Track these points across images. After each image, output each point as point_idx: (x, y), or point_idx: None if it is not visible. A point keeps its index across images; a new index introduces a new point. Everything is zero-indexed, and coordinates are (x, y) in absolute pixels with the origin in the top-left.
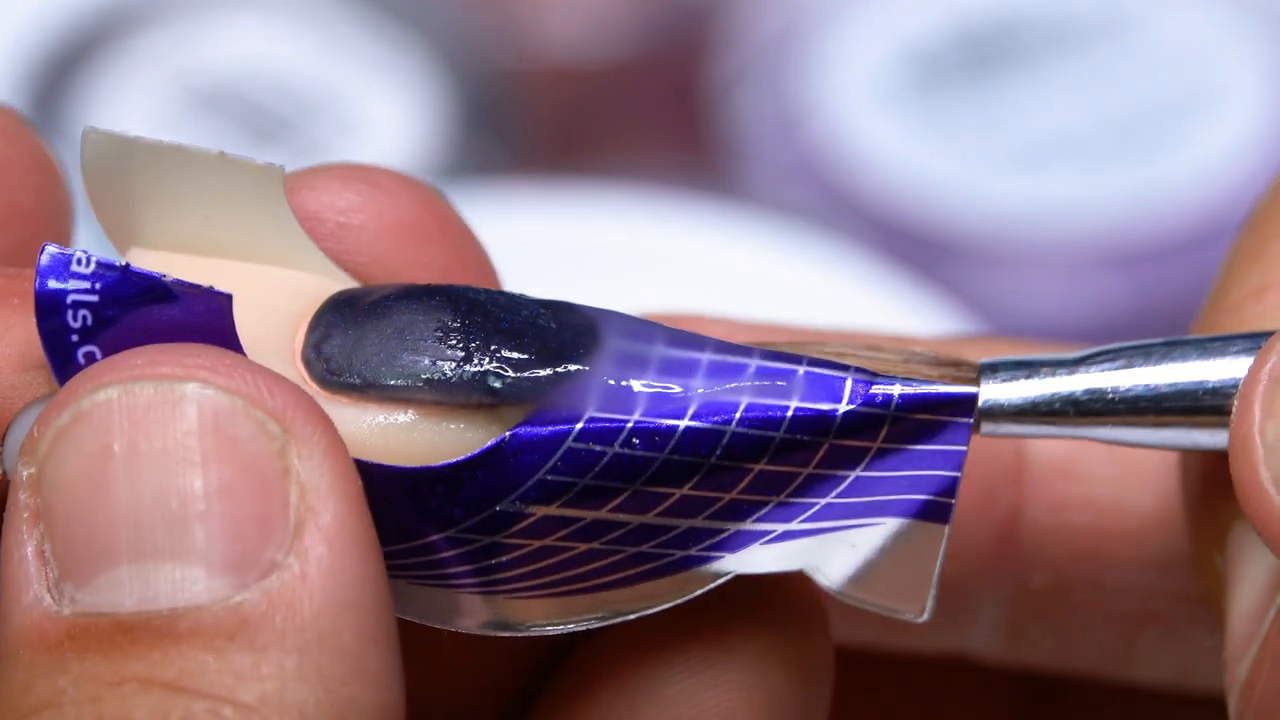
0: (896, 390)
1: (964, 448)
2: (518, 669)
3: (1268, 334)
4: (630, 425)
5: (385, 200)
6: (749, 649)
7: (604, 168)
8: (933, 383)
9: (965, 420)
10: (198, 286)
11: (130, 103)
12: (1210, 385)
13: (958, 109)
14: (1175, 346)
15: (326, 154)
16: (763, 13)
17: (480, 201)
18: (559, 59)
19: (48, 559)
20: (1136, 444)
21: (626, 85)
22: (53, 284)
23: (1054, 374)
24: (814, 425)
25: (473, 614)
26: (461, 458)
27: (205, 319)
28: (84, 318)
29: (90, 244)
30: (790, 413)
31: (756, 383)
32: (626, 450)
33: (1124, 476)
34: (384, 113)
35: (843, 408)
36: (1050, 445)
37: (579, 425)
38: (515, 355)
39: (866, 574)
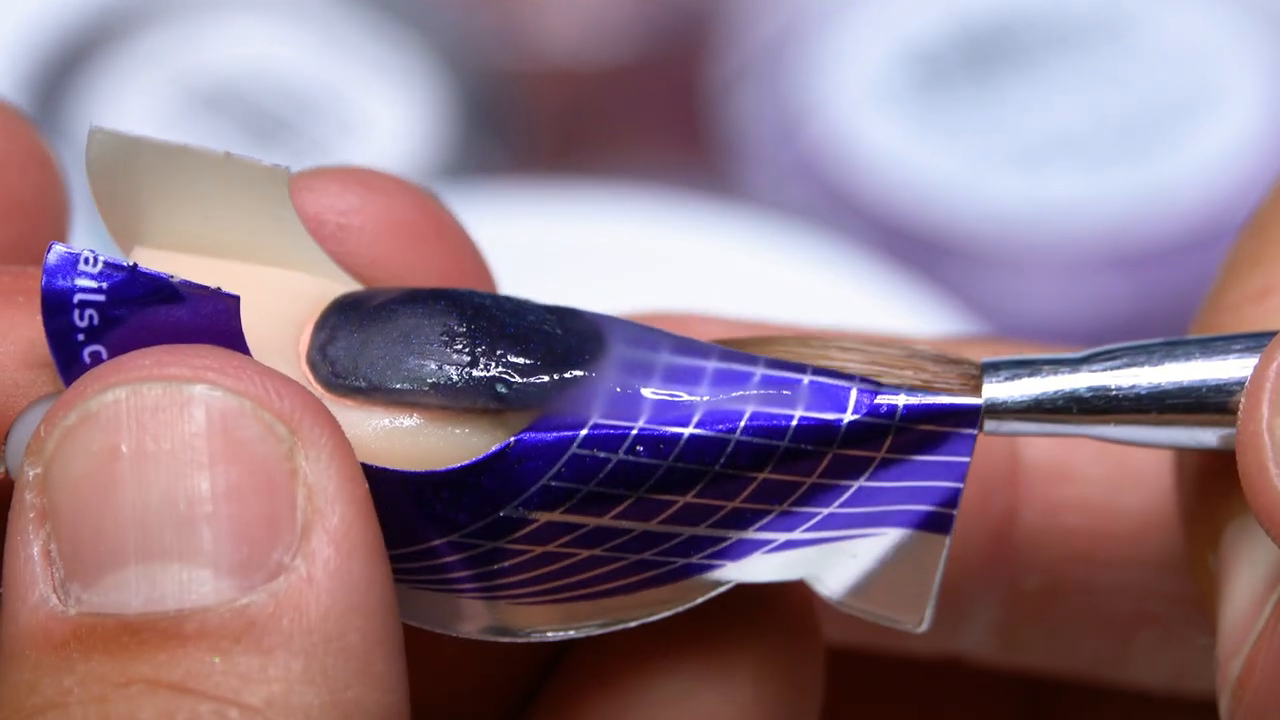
0: (901, 401)
1: (967, 459)
2: (515, 672)
3: (1270, 334)
4: (635, 432)
5: (383, 202)
6: (742, 657)
7: (604, 168)
8: (937, 394)
9: (969, 431)
10: (205, 287)
11: (131, 103)
12: (1213, 383)
13: (958, 109)
14: (1177, 346)
15: (327, 154)
16: (763, 13)
17: (481, 201)
18: (559, 59)
19: (54, 559)
20: (1139, 443)
21: (627, 85)
22: (60, 283)
23: (1056, 372)
24: (818, 434)
25: (474, 619)
26: (466, 462)
27: (212, 320)
28: (90, 317)
29: (88, 240)
30: (795, 422)
31: (761, 391)
32: (630, 457)
33: (1118, 478)
34: (384, 113)
35: (847, 417)
36: (1044, 448)
37: (583, 431)
38: (521, 361)
39: (867, 584)
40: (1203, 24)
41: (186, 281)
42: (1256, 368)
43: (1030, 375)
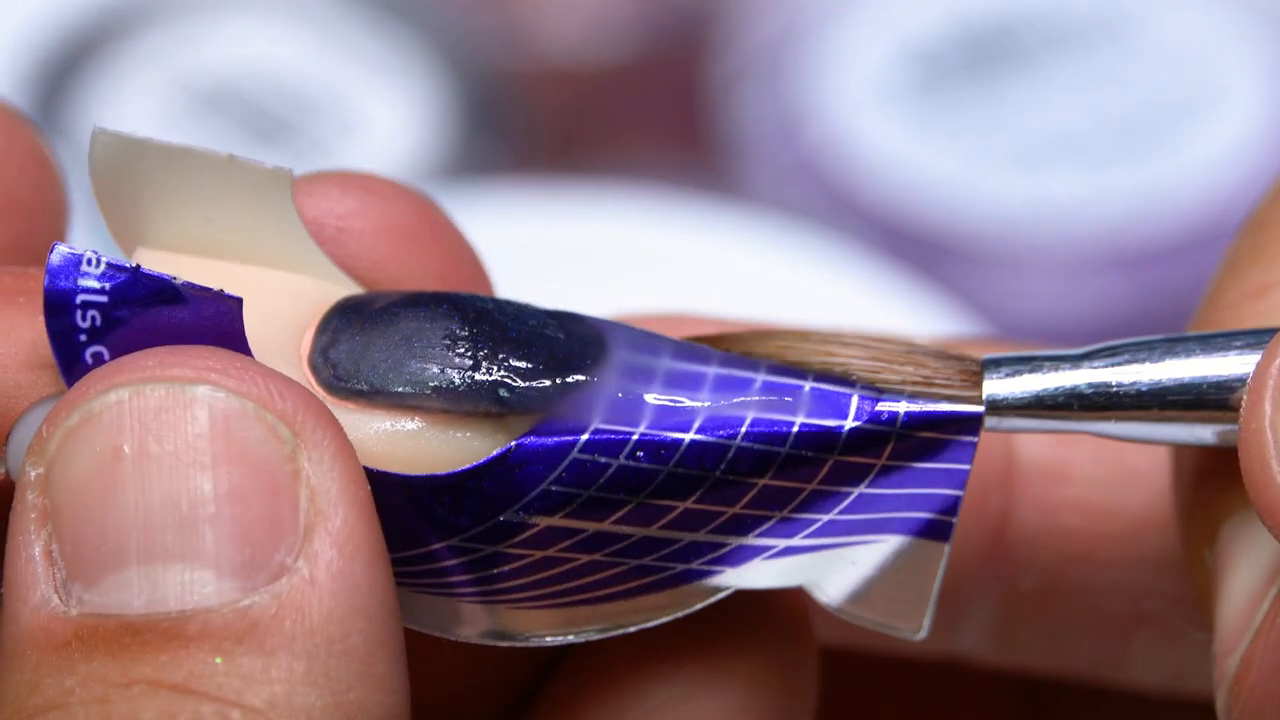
0: (902, 408)
1: (967, 466)
2: (513, 675)
3: (1270, 331)
4: (635, 437)
5: (382, 207)
6: (738, 662)
7: (604, 167)
8: (938, 401)
9: (970, 439)
10: (207, 289)
11: (131, 103)
12: (1214, 380)
13: (958, 109)
14: (1178, 343)
15: (327, 154)
16: (763, 13)
17: (481, 201)
18: (559, 59)
19: (55, 559)
20: (1139, 439)
21: (627, 85)
22: (62, 283)
23: (1058, 368)
24: (819, 441)
25: (473, 623)
26: (467, 466)
27: (214, 322)
28: (93, 318)
29: (87, 241)
30: (796, 428)
31: (763, 397)
32: (631, 463)
33: (1114, 479)
34: (385, 113)
35: (848, 424)
36: (1041, 448)
37: (584, 436)
38: (523, 365)
39: (866, 591)
40: (1203, 24)
41: (189, 283)
42: (1258, 365)
43: (1031, 372)
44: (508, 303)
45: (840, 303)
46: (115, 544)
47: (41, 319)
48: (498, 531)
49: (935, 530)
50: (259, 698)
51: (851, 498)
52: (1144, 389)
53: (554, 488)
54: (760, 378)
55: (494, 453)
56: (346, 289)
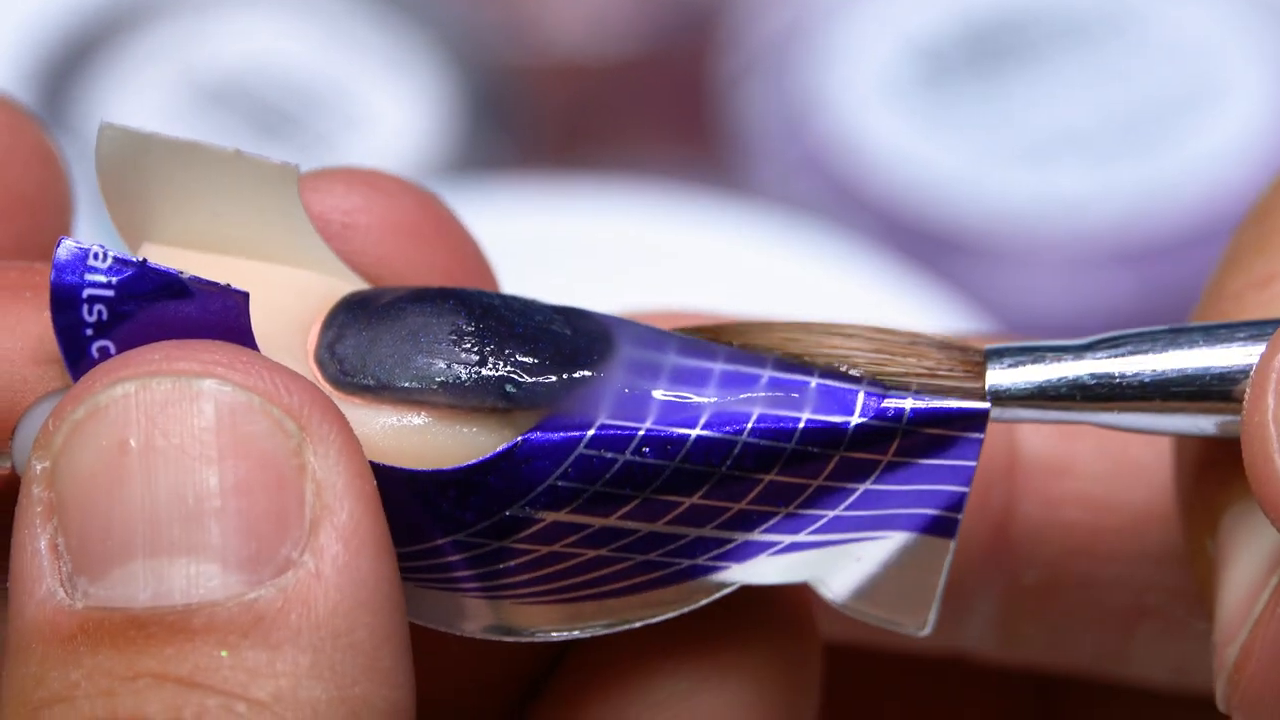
0: (908, 404)
1: (973, 463)
2: (518, 670)
3: (1275, 321)
4: (642, 433)
5: (387, 203)
6: (742, 658)
7: (610, 163)
8: (945, 397)
9: (976, 436)
10: (214, 284)
11: (137, 98)
12: (1217, 371)
13: (964, 105)
14: (1181, 333)
15: (332, 149)
16: (769, 8)
17: (486, 196)
18: (565, 54)
19: (61, 553)
20: (1142, 430)
21: (633, 80)
22: (69, 278)
23: (1060, 359)
24: (825, 437)
25: (477, 618)
26: (473, 461)
27: (221, 316)
28: (99, 312)
29: (91, 236)
30: (802, 424)
31: (769, 393)
32: (637, 458)
33: (1117, 472)
34: (390, 108)
35: (854, 420)
36: (1042, 442)
37: (591, 432)
38: (529, 360)
39: (871, 587)
40: (1208, 19)
41: (195, 278)
42: (1262, 357)
43: (1034, 362)
44: (514, 298)
45: (846, 298)
46: (121, 537)
47: (48, 314)
48: (503, 526)
49: (941, 527)
50: (264, 691)
51: (857, 494)
52: (1147, 380)
53: (560, 483)
54: (766, 374)
55: (500, 448)
56: (352, 285)
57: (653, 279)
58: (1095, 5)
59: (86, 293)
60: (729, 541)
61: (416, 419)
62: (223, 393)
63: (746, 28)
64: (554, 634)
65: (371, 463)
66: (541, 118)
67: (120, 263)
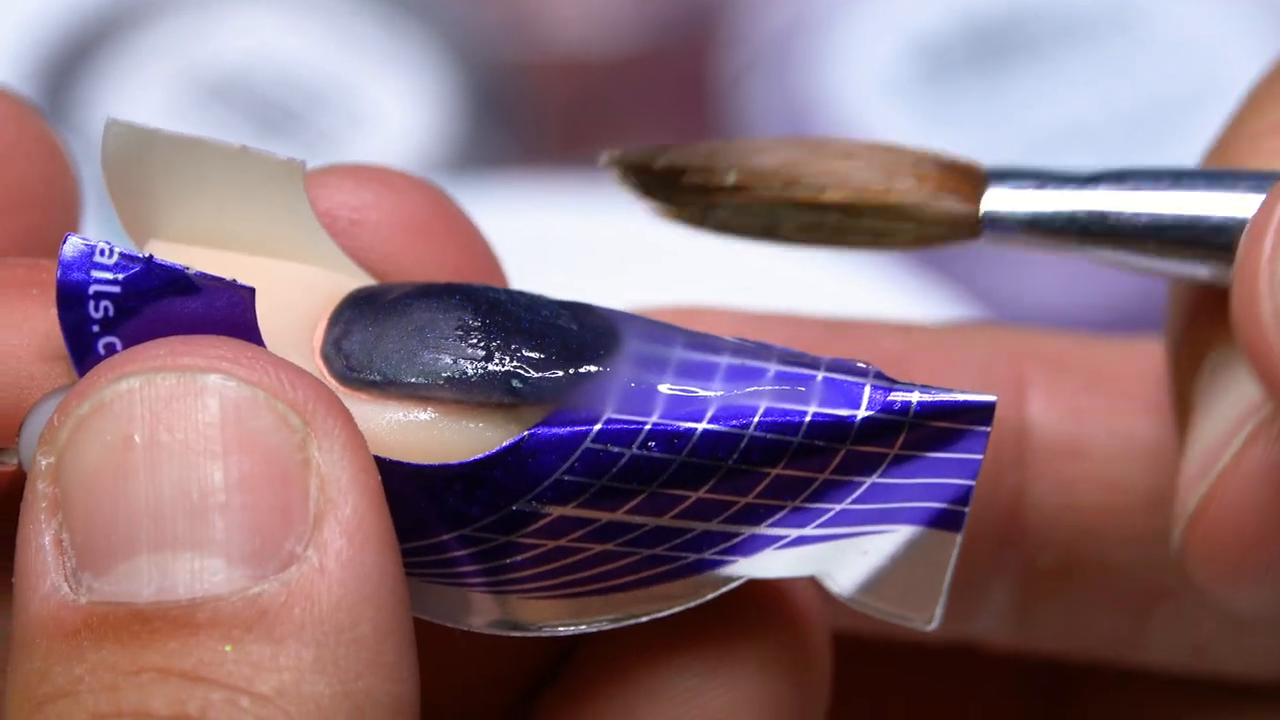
0: (915, 397)
1: (979, 456)
2: (525, 666)
3: (1277, 174)
4: (648, 427)
5: (396, 199)
6: (751, 652)
7: None
8: (951, 391)
9: (983, 429)
10: (220, 279)
11: (139, 95)
12: (1215, 220)
13: (966, 102)
14: (1184, 176)
15: (335, 146)
16: (771, 5)
17: (489, 193)
18: (567, 51)
19: (65, 548)
20: (1134, 269)
21: (635, 78)
22: (75, 275)
23: (1061, 188)
24: (832, 430)
25: (484, 613)
26: (480, 456)
27: (227, 312)
28: (105, 308)
29: (97, 232)
30: (808, 418)
31: (775, 387)
32: (644, 452)
33: (1129, 453)
34: (392, 105)
35: (861, 413)
36: (1054, 423)
37: (597, 426)
38: (536, 355)
39: (877, 581)
40: (1212, 17)
41: (202, 273)
42: (1261, 206)
43: (1036, 188)
44: (520, 294)
45: (848, 294)
46: (125, 532)
47: (54, 310)
48: (510, 521)
49: (947, 520)
50: (268, 685)
51: (864, 487)
52: (1143, 223)
53: (566, 477)
54: (772, 367)
55: (507, 443)
56: (359, 281)
57: (655, 276)
58: (1098, 2)
59: (93, 289)
60: (736, 535)
61: (423, 414)
62: (227, 388)
63: (748, 24)
64: (560, 629)
65: (377, 458)
66: (543, 114)
67: (126, 259)
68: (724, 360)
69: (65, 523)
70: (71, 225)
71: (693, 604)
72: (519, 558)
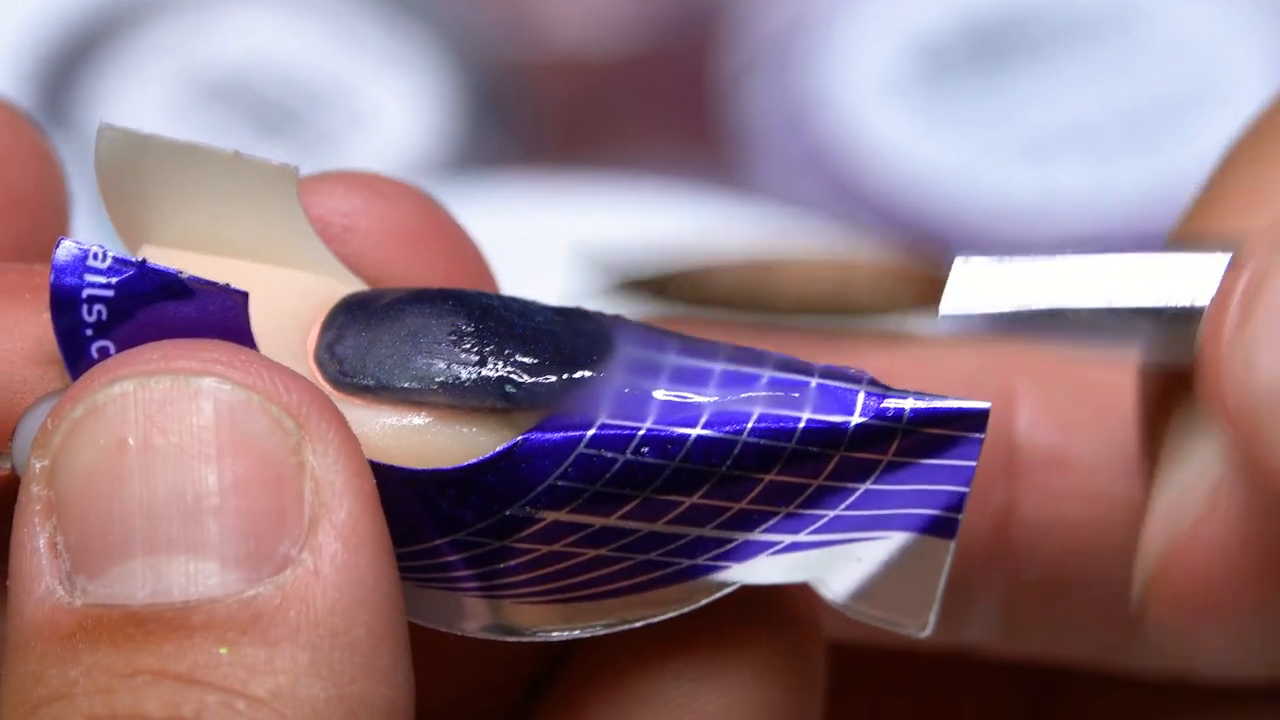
0: (909, 404)
1: (973, 463)
2: (519, 672)
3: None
4: (642, 433)
5: (387, 205)
6: (745, 657)
7: (612, 160)
8: (944, 397)
9: (976, 435)
10: (214, 284)
11: (138, 95)
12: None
13: (966, 102)
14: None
15: (334, 146)
16: (771, 5)
17: (488, 194)
18: (567, 51)
19: (60, 551)
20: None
21: (635, 78)
22: (68, 279)
23: (1021, 282)
24: (826, 437)
25: (477, 617)
26: (473, 461)
27: (220, 316)
28: (99, 312)
29: (88, 237)
30: (802, 424)
31: (769, 393)
32: (637, 458)
33: (1117, 466)
34: (392, 105)
35: (855, 420)
36: (1042, 436)
37: (591, 432)
38: (529, 360)
39: (871, 588)
40: (1212, 17)
41: (195, 277)
42: (1221, 283)
43: (992, 288)
44: (513, 299)
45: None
46: (120, 535)
47: (46, 315)
48: (503, 526)
49: (941, 527)
50: (263, 688)
51: (858, 493)
52: (1101, 317)
53: (560, 483)
54: (767, 373)
55: (500, 448)
56: (352, 286)
57: None
58: (1098, 2)
59: (86, 293)
60: (729, 541)
61: (417, 419)
62: (221, 391)
63: (748, 25)
64: (554, 634)
65: (371, 462)
66: (543, 114)
67: (120, 263)
68: (718, 366)
69: (60, 526)
70: (62, 230)
71: (686, 610)
72: (512, 562)
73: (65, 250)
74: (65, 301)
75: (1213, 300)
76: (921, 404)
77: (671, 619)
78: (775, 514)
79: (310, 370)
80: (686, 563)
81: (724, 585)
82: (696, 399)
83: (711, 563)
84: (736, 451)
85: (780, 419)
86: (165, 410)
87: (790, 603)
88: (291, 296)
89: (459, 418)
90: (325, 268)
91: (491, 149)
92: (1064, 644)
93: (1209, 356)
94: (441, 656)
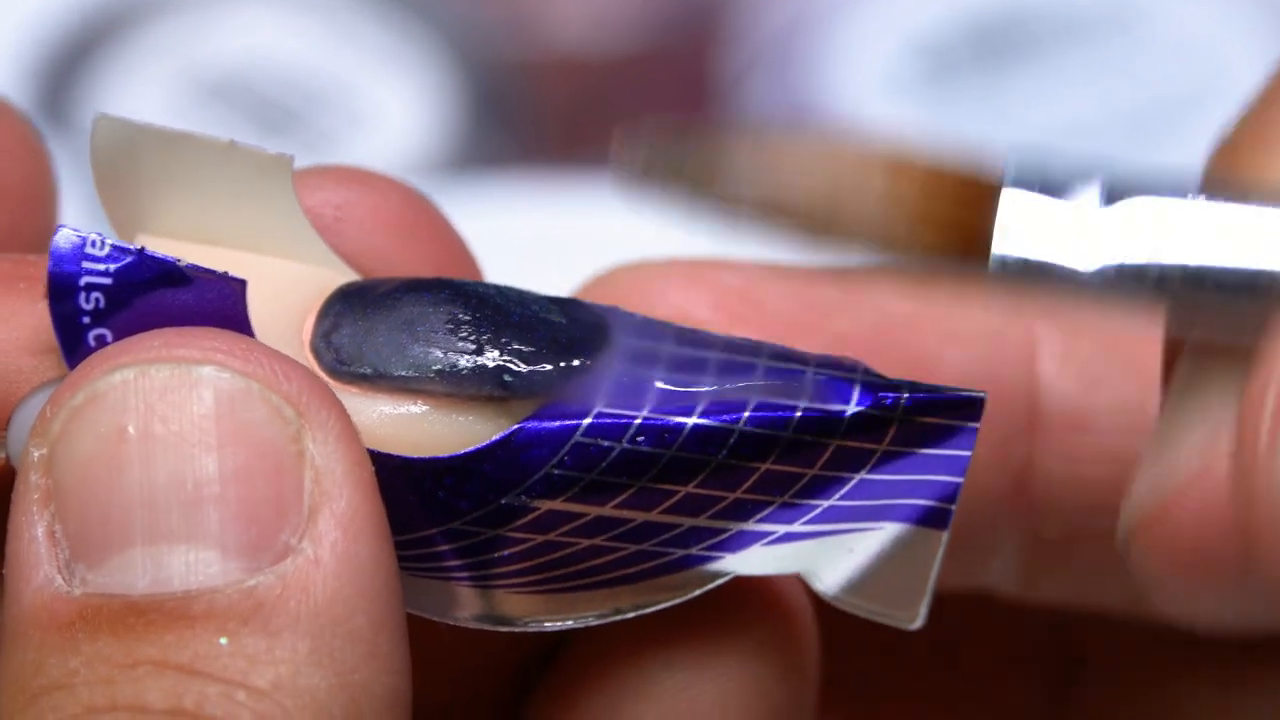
0: (904, 393)
1: (968, 453)
2: (514, 661)
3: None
4: (638, 422)
5: (377, 198)
6: (739, 646)
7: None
8: (940, 386)
9: (972, 425)
10: (212, 272)
11: (139, 94)
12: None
13: (967, 102)
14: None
15: (334, 145)
16: (771, 5)
17: (488, 193)
18: (567, 50)
19: (59, 540)
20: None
21: (635, 77)
22: (67, 266)
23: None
24: (822, 426)
25: (471, 607)
26: (469, 449)
27: (218, 304)
28: (96, 300)
29: (83, 228)
30: (798, 413)
31: (765, 382)
32: (633, 447)
33: (1138, 426)
34: (392, 104)
35: (851, 409)
36: (1063, 396)
37: (587, 420)
38: (526, 349)
39: (863, 580)
40: (1212, 17)
41: (194, 265)
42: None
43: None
44: (510, 289)
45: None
46: (120, 524)
47: (42, 305)
48: (499, 515)
49: (934, 518)
50: (264, 678)
51: (853, 483)
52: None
53: (556, 471)
54: (762, 363)
55: (497, 436)
56: (346, 276)
57: None
58: (1099, 2)
59: (84, 280)
60: (724, 531)
61: (413, 407)
62: (221, 379)
63: (748, 24)
64: (547, 624)
65: (368, 450)
66: (543, 114)
67: (118, 250)
68: (714, 355)
69: (58, 514)
70: (51, 222)
71: (680, 599)
72: (506, 552)
73: (64, 237)
74: (63, 289)
75: (1242, 406)
76: (917, 393)
77: (665, 609)
78: (770, 504)
79: (307, 359)
80: (680, 553)
81: (718, 576)
82: (693, 388)
83: (705, 553)
84: (733, 440)
85: (776, 408)
86: (166, 398)
87: (783, 590)
88: (286, 285)
89: (456, 406)
90: (319, 257)
91: (492, 148)
92: (1084, 596)
93: (1243, 468)
94: (436, 648)
